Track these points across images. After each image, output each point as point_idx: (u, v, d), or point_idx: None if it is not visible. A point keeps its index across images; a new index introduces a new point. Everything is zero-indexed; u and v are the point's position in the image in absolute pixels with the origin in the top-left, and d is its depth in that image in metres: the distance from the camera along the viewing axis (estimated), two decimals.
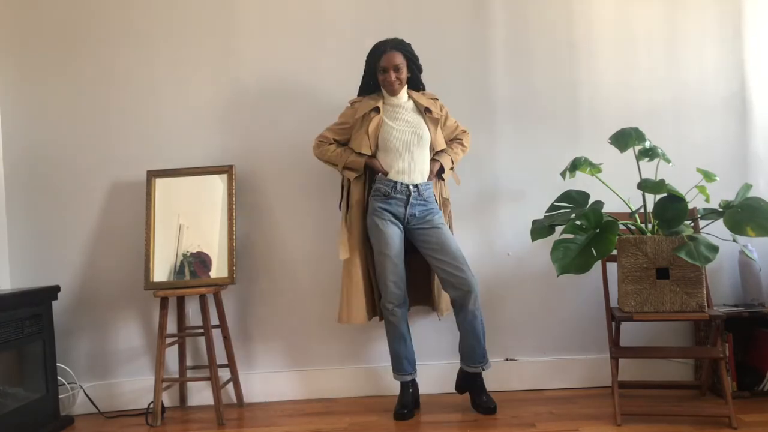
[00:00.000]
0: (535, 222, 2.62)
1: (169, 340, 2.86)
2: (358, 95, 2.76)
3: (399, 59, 2.61)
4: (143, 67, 3.01)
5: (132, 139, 3.01)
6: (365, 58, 2.68)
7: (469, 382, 2.67)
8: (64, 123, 3.00)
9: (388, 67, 2.60)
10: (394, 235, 2.60)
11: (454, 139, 2.82)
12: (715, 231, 2.58)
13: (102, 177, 3.00)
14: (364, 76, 2.73)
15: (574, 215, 2.48)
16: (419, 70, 2.72)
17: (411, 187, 2.60)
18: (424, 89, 2.78)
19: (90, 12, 3.02)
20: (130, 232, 2.97)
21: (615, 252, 2.48)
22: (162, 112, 3.01)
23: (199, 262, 2.80)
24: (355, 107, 2.71)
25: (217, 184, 2.88)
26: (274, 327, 3.00)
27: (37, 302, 2.69)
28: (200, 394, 2.97)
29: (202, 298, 2.71)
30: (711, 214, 2.54)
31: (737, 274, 2.92)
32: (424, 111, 2.67)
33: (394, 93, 2.66)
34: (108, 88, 3.01)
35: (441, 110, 2.74)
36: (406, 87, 2.71)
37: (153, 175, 2.88)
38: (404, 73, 2.64)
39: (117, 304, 2.99)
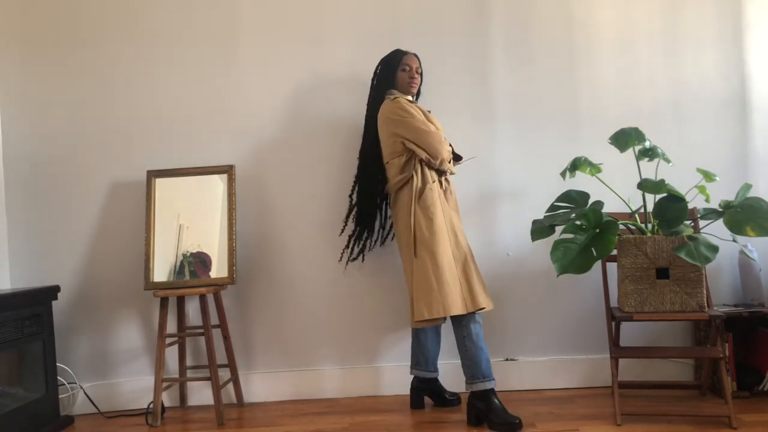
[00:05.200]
0: (535, 222, 2.63)
1: (169, 340, 2.86)
2: (375, 99, 2.71)
3: (418, 65, 2.70)
4: (144, 67, 3.01)
5: (132, 139, 3.01)
6: (380, 64, 2.71)
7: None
8: (64, 122, 3.00)
9: (413, 66, 2.67)
10: None
11: None
12: (715, 231, 2.58)
13: (102, 177, 3.00)
14: (380, 80, 2.71)
15: (574, 215, 2.48)
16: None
17: None
18: None
19: (90, 12, 3.01)
20: (130, 232, 2.96)
21: (615, 252, 2.48)
22: (162, 112, 3.01)
23: (199, 262, 2.80)
24: (408, 101, 2.65)
25: (217, 184, 2.88)
26: (274, 327, 3.00)
27: (37, 302, 2.69)
28: (200, 394, 2.97)
29: (202, 298, 2.71)
30: (711, 214, 2.54)
31: (737, 274, 2.91)
32: None
33: (410, 93, 2.69)
34: (108, 88, 3.00)
35: None
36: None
37: (153, 175, 2.88)
38: (419, 82, 2.73)
39: (117, 304, 2.99)
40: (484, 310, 2.49)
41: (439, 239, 2.50)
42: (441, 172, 2.62)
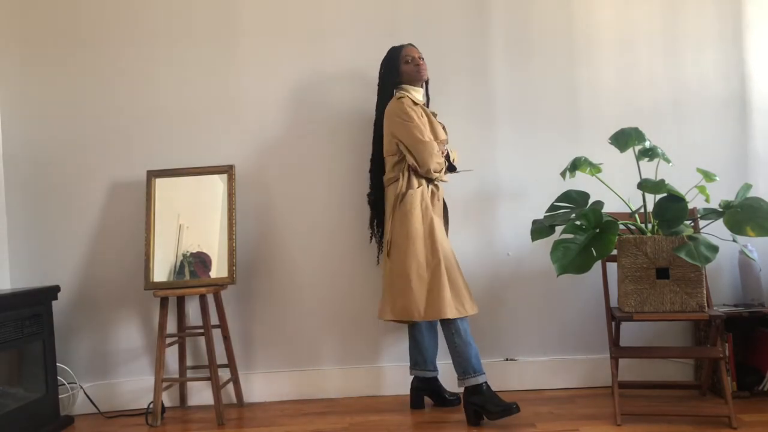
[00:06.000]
0: (535, 222, 2.63)
1: (169, 340, 2.86)
2: (382, 102, 2.69)
3: (419, 53, 2.69)
4: (144, 67, 3.01)
5: (132, 139, 3.00)
6: (381, 68, 2.71)
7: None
8: (64, 122, 3.00)
9: (415, 56, 2.66)
10: None
11: None
12: (715, 231, 2.58)
13: (102, 177, 3.00)
14: (385, 82, 2.70)
15: (574, 215, 2.48)
16: None
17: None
18: None
19: (91, 12, 3.01)
20: (130, 232, 2.97)
21: (615, 252, 2.48)
22: (162, 112, 3.01)
23: (199, 262, 2.80)
24: (414, 103, 2.62)
25: (217, 184, 2.88)
26: (274, 327, 3.00)
27: (37, 302, 2.69)
28: (200, 394, 2.97)
29: (202, 298, 2.71)
30: (711, 214, 2.54)
31: (737, 274, 2.91)
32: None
33: (421, 80, 2.67)
34: (108, 88, 3.01)
35: None
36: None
37: (153, 175, 2.88)
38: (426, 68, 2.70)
39: (117, 304, 2.99)
40: (448, 317, 2.46)
41: (411, 245, 2.52)
42: (430, 179, 2.63)
